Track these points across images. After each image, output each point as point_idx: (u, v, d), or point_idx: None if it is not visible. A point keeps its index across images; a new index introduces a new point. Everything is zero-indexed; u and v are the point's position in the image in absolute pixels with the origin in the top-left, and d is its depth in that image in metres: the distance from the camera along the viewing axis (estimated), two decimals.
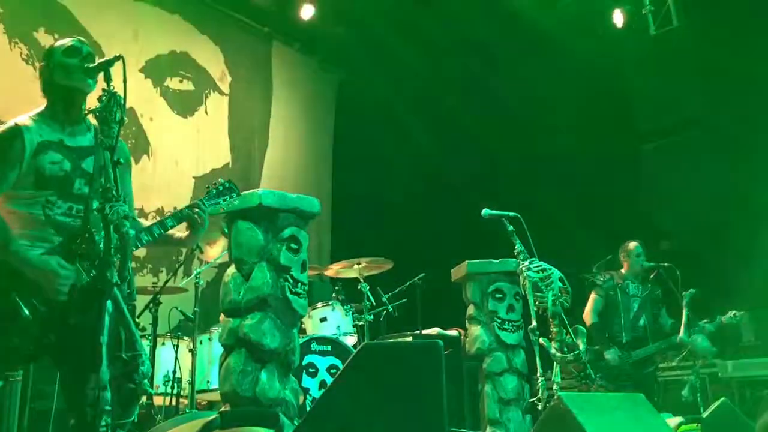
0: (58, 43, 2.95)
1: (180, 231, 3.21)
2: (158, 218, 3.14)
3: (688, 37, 8.49)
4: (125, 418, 2.55)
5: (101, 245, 2.42)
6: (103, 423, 2.51)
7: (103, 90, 2.57)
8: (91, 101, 2.77)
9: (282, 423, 1.81)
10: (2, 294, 2.64)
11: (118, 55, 2.60)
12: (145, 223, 3.16)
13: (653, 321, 6.02)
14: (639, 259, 6.09)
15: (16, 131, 2.77)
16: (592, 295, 6.09)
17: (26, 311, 2.64)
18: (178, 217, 3.11)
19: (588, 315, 6.03)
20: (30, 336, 2.65)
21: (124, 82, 2.49)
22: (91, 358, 2.24)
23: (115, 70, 2.63)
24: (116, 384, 2.51)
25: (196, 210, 3.12)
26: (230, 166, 9.08)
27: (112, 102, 2.53)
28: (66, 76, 2.86)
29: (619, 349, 5.82)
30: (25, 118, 2.85)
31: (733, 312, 5.93)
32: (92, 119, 2.93)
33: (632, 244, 6.18)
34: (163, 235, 3.09)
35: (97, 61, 2.81)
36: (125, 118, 2.58)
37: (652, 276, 6.13)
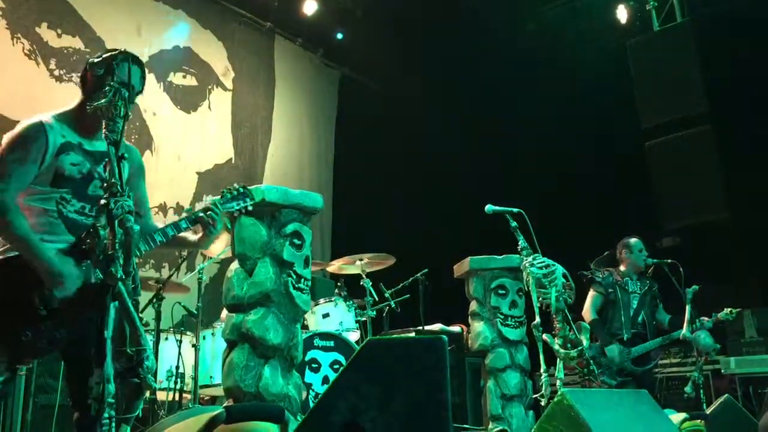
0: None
1: (192, 233, 3.22)
2: (161, 214, 3.15)
3: (691, 32, 8.47)
4: (130, 413, 2.56)
5: (106, 240, 2.42)
6: (106, 415, 2.52)
7: (108, 85, 2.56)
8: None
9: (287, 418, 1.81)
10: (17, 287, 2.66)
11: (122, 50, 2.60)
12: (159, 223, 3.17)
13: (651, 317, 6.01)
14: (641, 255, 6.04)
15: (41, 128, 2.78)
16: (591, 292, 6.04)
17: (41, 306, 2.65)
18: (192, 219, 3.11)
19: (587, 312, 5.98)
20: (43, 330, 2.66)
21: (129, 76, 2.48)
22: (96, 352, 2.24)
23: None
24: (121, 379, 2.52)
25: (209, 213, 3.12)
26: (233, 161, 9.09)
27: (116, 97, 2.52)
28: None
29: (621, 345, 5.81)
30: (48, 117, 2.85)
31: (729, 309, 5.91)
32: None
33: (633, 240, 6.13)
34: (176, 237, 3.10)
35: (101, 56, 2.80)
36: (130, 113, 2.58)
37: (649, 272, 6.11)
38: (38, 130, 2.78)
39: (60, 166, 2.78)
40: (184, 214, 3.14)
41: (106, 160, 2.72)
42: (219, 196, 3.31)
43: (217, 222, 3.13)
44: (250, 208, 3.43)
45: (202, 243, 3.23)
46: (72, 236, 2.79)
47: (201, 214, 3.11)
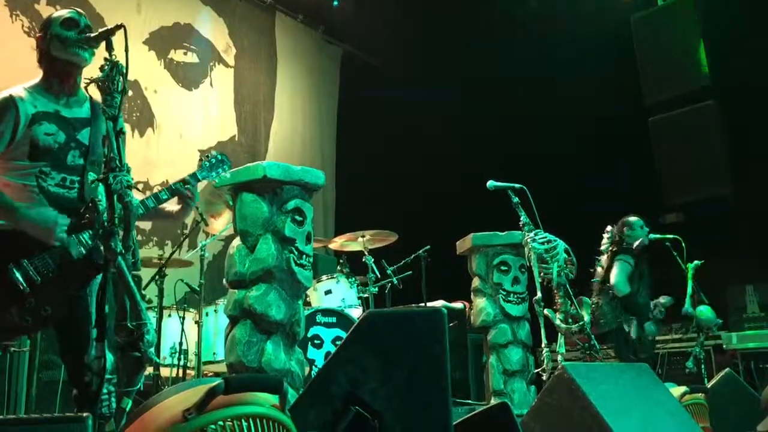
0: (55, 14, 2.94)
1: (172, 205, 3.21)
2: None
3: (696, 6, 8.39)
4: (131, 386, 2.56)
5: (105, 215, 2.42)
6: (105, 391, 2.53)
7: (105, 59, 2.54)
8: (93, 71, 2.76)
9: (286, 389, 1.82)
10: None
11: (119, 23, 2.57)
12: (138, 196, 3.16)
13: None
14: (644, 231, 5.94)
15: (9, 101, 2.78)
16: (619, 263, 5.70)
17: (23, 283, 2.65)
18: (171, 191, 3.11)
19: (622, 283, 5.58)
20: (27, 307, 2.66)
21: (126, 51, 2.46)
22: (96, 328, 2.24)
23: (117, 40, 2.61)
24: (122, 353, 2.53)
25: (187, 186, 3.11)
26: (236, 138, 9.06)
27: (114, 71, 2.50)
28: (62, 49, 2.86)
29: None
30: (19, 89, 2.85)
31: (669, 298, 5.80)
32: (88, 91, 2.93)
33: (633, 218, 5.99)
34: (156, 209, 3.09)
35: (98, 30, 2.79)
36: (128, 88, 2.56)
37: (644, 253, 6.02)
38: (6, 103, 2.78)
39: (34, 137, 2.78)
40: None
41: (102, 134, 2.72)
42: (198, 168, 3.33)
43: (194, 195, 3.13)
44: (227, 175, 3.52)
45: (179, 215, 3.24)
46: (55, 209, 2.79)
47: (178, 186, 3.10)
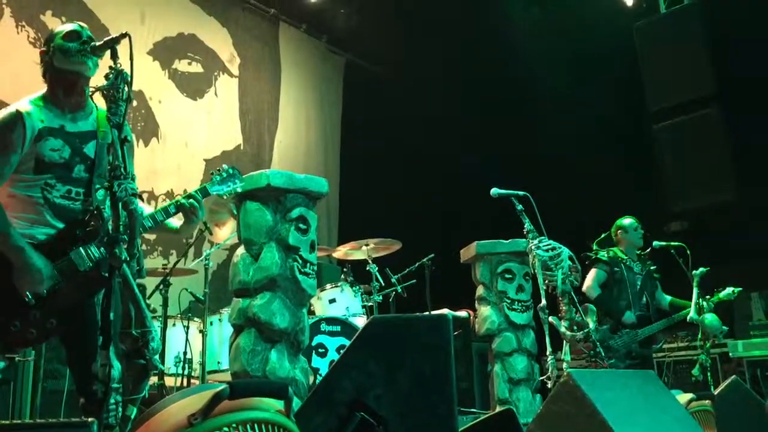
0: (58, 28, 2.98)
1: (176, 219, 3.22)
2: (168, 201, 3.13)
3: (699, 14, 8.39)
4: (136, 394, 2.56)
5: (110, 223, 2.42)
6: (113, 400, 2.53)
7: (110, 68, 2.56)
8: (99, 81, 2.77)
9: (291, 395, 1.82)
10: (3, 277, 2.65)
11: (124, 32, 2.59)
12: (147, 208, 3.17)
13: (652, 299, 5.98)
14: (638, 233, 6.03)
15: (17, 117, 2.77)
16: (594, 270, 5.93)
17: (29, 296, 2.64)
18: (177, 206, 3.11)
19: (591, 289, 5.84)
20: (31, 320, 2.66)
21: (131, 59, 2.47)
22: (101, 335, 2.24)
23: (122, 48, 2.63)
24: (127, 360, 2.53)
25: (191, 201, 3.11)
26: (241, 147, 9.09)
27: (119, 80, 2.52)
28: (64, 60, 2.87)
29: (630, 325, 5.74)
30: (25, 103, 2.85)
31: (732, 289, 5.88)
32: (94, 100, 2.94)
33: (627, 221, 6.10)
34: (163, 223, 3.11)
35: (103, 39, 2.80)
36: (132, 96, 2.57)
37: (644, 253, 6.06)
38: (15, 119, 2.77)
39: (40, 152, 2.78)
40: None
41: (107, 143, 2.72)
42: (209, 181, 3.31)
43: (198, 210, 3.12)
44: (239, 190, 3.42)
45: (183, 230, 3.24)
46: (60, 222, 2.78)
47: (183, 202, 3.11)
